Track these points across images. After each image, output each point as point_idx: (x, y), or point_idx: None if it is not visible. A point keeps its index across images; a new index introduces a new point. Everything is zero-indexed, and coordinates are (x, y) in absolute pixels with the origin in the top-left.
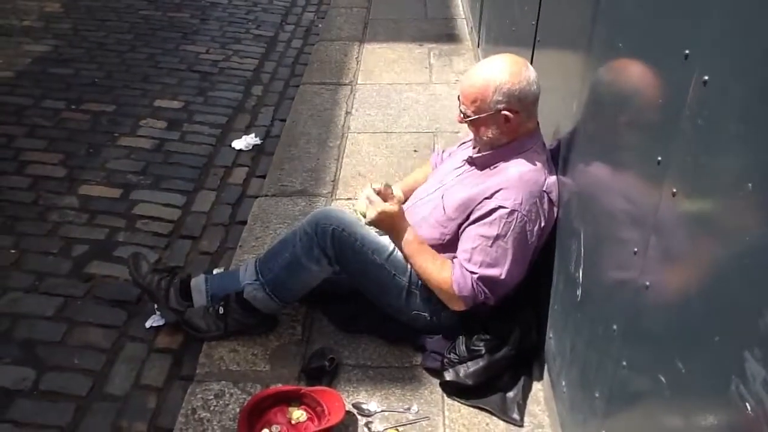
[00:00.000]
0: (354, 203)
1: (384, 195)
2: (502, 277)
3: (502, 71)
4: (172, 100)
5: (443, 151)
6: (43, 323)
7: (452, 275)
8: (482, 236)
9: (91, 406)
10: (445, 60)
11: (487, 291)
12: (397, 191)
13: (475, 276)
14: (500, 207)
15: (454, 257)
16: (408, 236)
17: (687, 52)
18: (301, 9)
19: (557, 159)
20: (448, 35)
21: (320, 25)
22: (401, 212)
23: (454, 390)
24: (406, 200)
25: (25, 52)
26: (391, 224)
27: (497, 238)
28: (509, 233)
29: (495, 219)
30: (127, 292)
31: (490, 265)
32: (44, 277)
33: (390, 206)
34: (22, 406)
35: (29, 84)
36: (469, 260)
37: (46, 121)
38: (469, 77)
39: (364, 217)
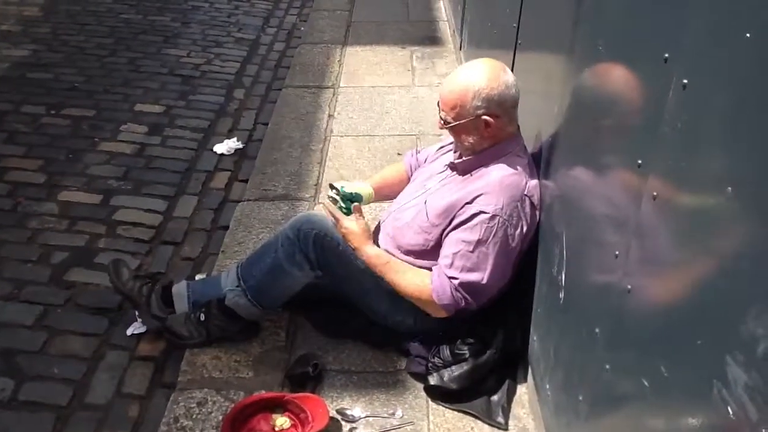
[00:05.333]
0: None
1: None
2: (484, 281)
3: (480, 76)
4: (154, 105)
5: (418, 153)
6: (23, 332)
7: (431, 283)
8: (463, 241)
9: (71, 416)
10: (427, 63)
11: (468, 297)
12: (368, 187)
13: (456, 282)
14: (481, 212)
15: (436, 264)
16: (374, 255)
17: (666, 55)
18: (283, 12)
19: (539, 162)
20: (430, 38)
21: (302, 28)
22: (365, 231)
23: (439, 394)
24: (378, 197)
25: (4, 56)
26: (356, 243)
27: (478, 243)
28: (491, 238)
29: (476, 224)
30: (108, 300)
31: (471, 270)
32: (23, 284)
33: (354, 225)
34: (0, 417)
35: (8, 89)
36: (450, 266)
37: (25, 126)
38: (447, 84)
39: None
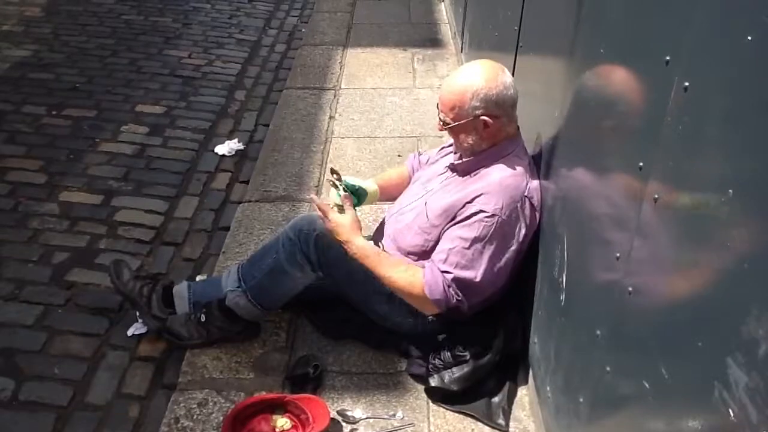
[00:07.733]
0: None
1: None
2: (477, 280)
3: (478, 77)
4: (155, 105)
5: (420, 155)
6: (23, 332)
7: (423, 277)
8: (460, 238)
9: (72, 416)
10: (428, 64)
11: (459, 294)
12: (373, 185)
13: (449, 276)
14: (481, 211)
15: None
16: (363, 248)
17: (668, 58)
18: (284, 13)
19: (540, 164)
20: (431, 40)
21: (304, 30)
22: (354, 223)
23: (440, 396)
24: (382, 197)
25: (5, 57)
26: (345, 236)
27: (475, 240)
28: (488, 237)
29: (474, 222)
30: (109, 300)
31: (465, 267)
32: (24, 285)
33: (342, 217)
34: (0, 417)
35: (9, 89)
36: (445, 261)
37: (26, 126)
38: (446, 85)
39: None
